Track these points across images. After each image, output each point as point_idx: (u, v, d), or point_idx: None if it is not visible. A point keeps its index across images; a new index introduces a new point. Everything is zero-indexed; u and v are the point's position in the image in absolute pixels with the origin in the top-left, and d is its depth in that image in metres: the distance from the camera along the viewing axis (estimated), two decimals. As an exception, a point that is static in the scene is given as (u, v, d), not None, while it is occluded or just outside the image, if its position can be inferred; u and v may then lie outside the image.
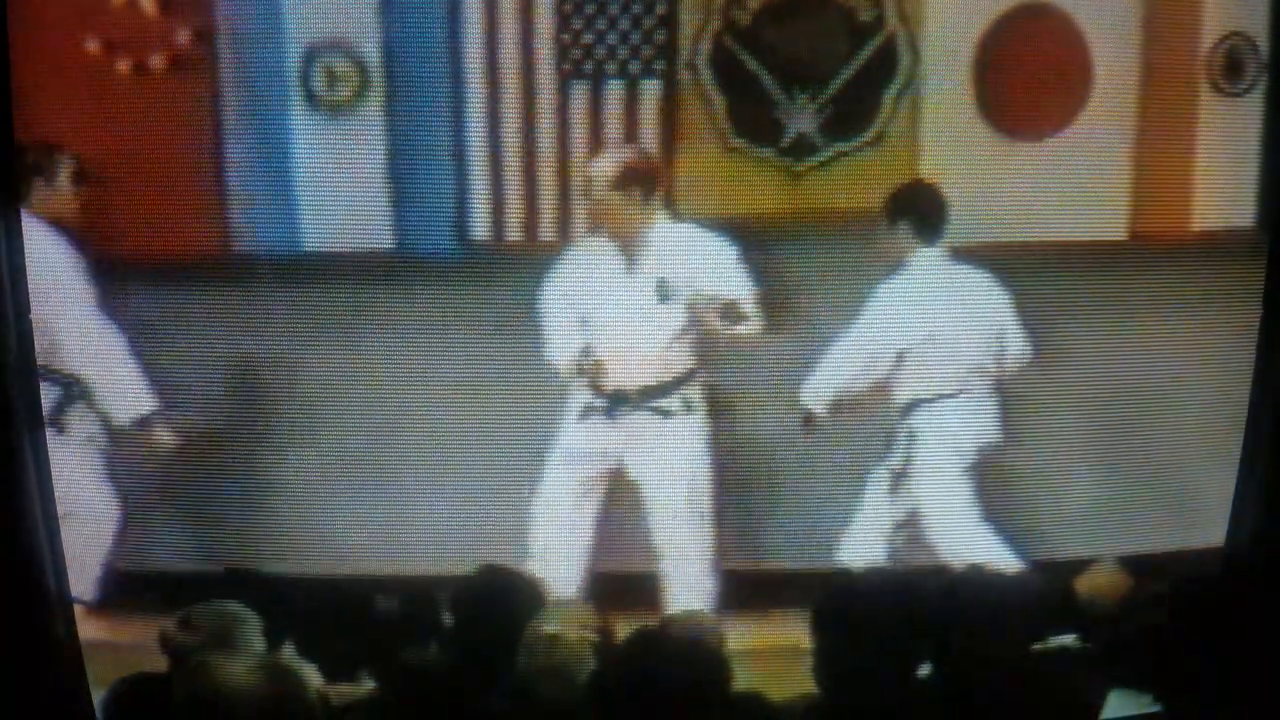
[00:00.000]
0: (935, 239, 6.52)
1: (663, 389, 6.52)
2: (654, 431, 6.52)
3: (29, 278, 6.02)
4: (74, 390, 6.40)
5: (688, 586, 6.50)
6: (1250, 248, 6.62)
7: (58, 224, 6.36)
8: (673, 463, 6.53)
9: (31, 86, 6.15)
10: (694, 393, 6.54)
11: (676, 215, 6.53)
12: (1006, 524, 6.52)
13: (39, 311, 6.07)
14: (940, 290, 6.52)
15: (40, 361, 6.19)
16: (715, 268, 6.45)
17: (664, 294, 6.48)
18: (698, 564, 6.54)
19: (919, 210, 6.52)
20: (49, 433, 6.17)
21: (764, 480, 6.66)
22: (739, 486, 6.62)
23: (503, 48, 6.48)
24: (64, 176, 6.36)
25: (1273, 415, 6.38)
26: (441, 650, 4.44)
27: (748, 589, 6.51)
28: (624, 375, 6.50)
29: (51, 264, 6.29)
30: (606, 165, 6.46)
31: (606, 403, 6.51)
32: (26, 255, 6.03)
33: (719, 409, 6.59)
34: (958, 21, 6.60)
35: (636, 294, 6.50)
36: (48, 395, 6.26)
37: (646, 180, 6.47)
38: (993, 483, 6.64)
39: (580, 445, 6.55)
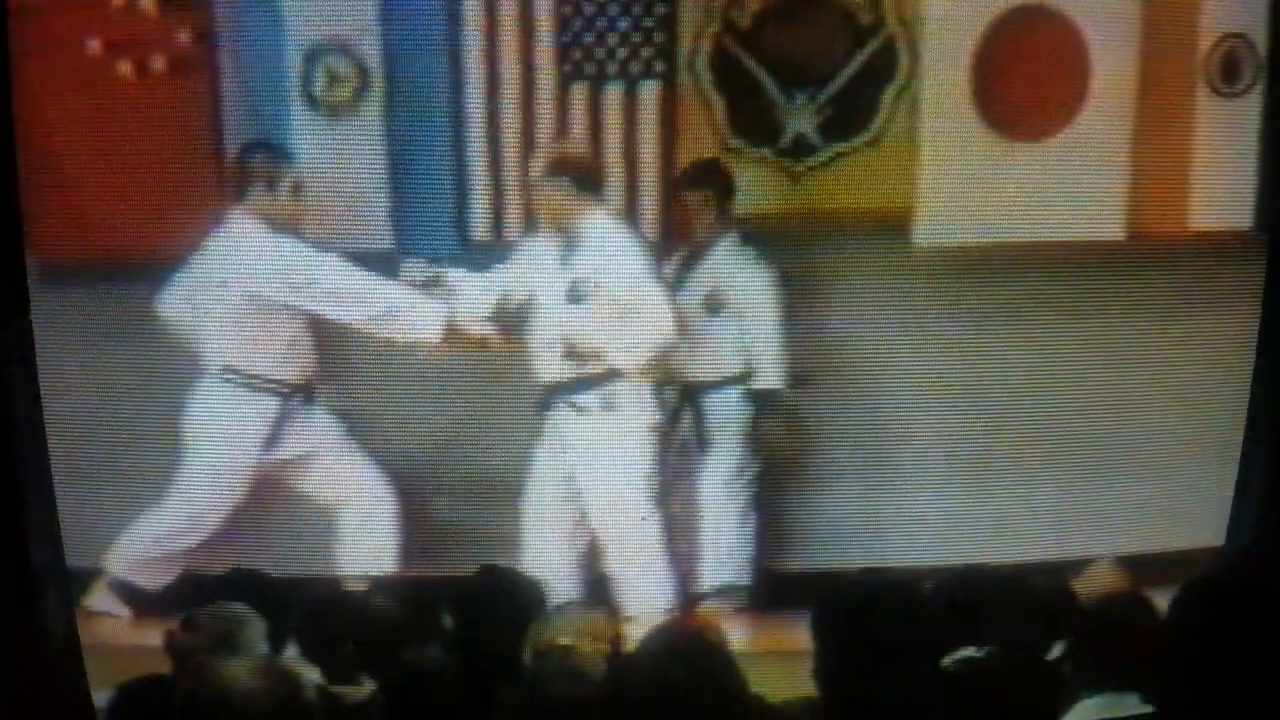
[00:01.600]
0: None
1: (574, 386, 6.47)
2: (578, 430, 6.48)
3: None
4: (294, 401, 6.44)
5: (641, 589, 6.45)
6: (1248, 248, 6.64)
7: (269, 225, 6.40)
8: (605, 462, 6.49)
9: (33, 87, 6.17)
10: (616, 390, 6.47)
11: (616, 215, 6.51)
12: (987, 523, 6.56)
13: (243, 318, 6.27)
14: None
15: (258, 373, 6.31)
16: (623, 276, 6.42)
17: (574, 295, 6.44)
18: (648, 566, 6.50)
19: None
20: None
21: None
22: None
23: (503, 49, 6.48)
24: (286, 185, 6.39)
25: (1273, 415, 6.39)
26: (444, 652, 4.44)
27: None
28: (546, 370, 6.49)
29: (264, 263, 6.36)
30: (544, 153, 6.46)
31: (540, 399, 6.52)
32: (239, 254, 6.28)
33: (669, 407, 6.60)
34: (956, 23, 6.61)
35: (557, 289, 6.46)
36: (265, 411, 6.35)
37: (581, 170, 6.44)
38: (990, 482, 6.67)
39: (547, 444, 6.56)
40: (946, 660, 4.18)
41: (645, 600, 6.39)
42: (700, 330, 6.60)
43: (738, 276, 6.62)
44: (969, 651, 4.31)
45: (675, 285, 6.58)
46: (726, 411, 6.68)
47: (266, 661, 4.10)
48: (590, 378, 6.46)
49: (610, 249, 6.44)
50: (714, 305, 6.63)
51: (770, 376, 6.63)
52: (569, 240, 6.46)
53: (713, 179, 6.60)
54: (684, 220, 6.63)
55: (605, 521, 6.51)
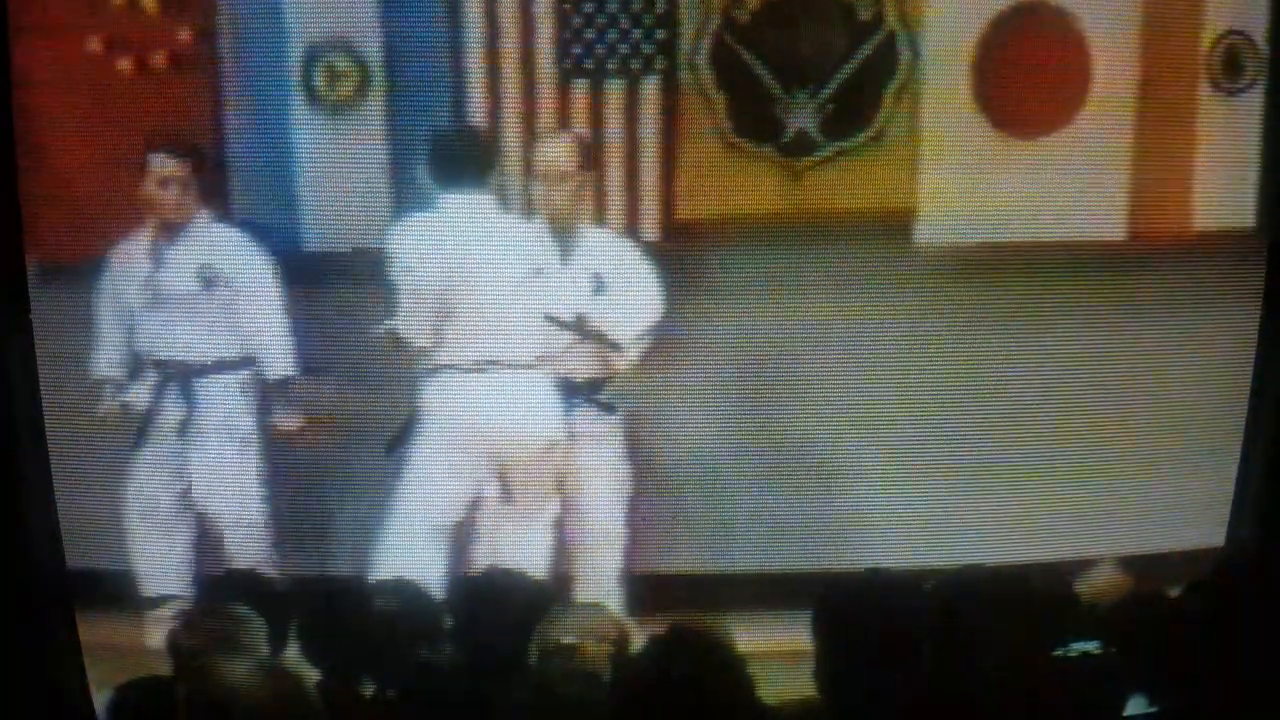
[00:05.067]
0: None
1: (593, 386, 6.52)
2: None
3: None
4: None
5: (599, 588, 6.43)
6: (1249, 247, 6.64)
7: None
8: (594, 463, 6.54)
9: (33, 86, 6.18)
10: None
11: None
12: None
13: None
14: None
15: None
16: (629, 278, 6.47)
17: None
18: (608, 566, 6.52)
19: None
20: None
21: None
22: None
23: (503, 45, 6.48)
24: None
25: (1273, 415, 6.40)
26: (445, 652, 4.45)
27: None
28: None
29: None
30: (562, 148, 6.44)
31: None
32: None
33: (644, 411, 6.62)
34: (957, 19, 6.60)
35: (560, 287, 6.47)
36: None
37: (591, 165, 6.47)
38: (989, 482, 6.67)
39: None
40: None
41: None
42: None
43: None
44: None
45: None
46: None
47: (267, 662, 4.11)
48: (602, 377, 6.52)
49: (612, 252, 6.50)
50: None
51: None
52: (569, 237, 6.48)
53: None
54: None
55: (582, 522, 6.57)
